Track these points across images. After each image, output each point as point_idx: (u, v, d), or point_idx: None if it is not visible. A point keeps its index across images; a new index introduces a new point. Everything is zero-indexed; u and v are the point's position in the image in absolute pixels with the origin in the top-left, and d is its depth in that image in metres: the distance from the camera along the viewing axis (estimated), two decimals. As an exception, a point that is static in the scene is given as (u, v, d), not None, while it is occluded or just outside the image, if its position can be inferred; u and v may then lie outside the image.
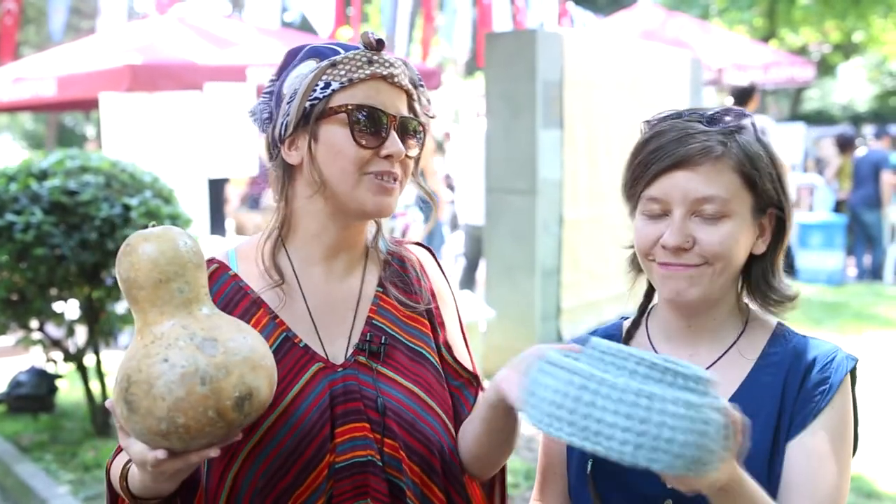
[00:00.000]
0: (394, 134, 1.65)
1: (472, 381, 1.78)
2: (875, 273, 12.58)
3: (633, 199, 1.61)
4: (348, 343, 1.71)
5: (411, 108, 1.72)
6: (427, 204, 1.81)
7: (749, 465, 1.49)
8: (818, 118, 28.19)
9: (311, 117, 1.66)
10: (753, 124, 1.58)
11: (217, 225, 10.20)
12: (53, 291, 5.59)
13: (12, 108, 12.04)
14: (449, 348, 1.80)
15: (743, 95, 8.03)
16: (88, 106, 11.16)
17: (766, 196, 1.56)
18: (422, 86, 1.75)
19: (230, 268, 1.76)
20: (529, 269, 7.21)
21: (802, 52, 22.22)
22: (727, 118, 1.56)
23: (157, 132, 7.75)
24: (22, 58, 12.77)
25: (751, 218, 1.56)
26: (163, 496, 1.55)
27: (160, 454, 1.40)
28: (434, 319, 1.80)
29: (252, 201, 13.60)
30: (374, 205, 1.66)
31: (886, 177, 12.33)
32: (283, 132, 1.69)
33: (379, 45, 1.68)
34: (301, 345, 1.67)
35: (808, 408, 1.53)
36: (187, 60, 8.43)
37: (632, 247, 1.70)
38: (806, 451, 1.52)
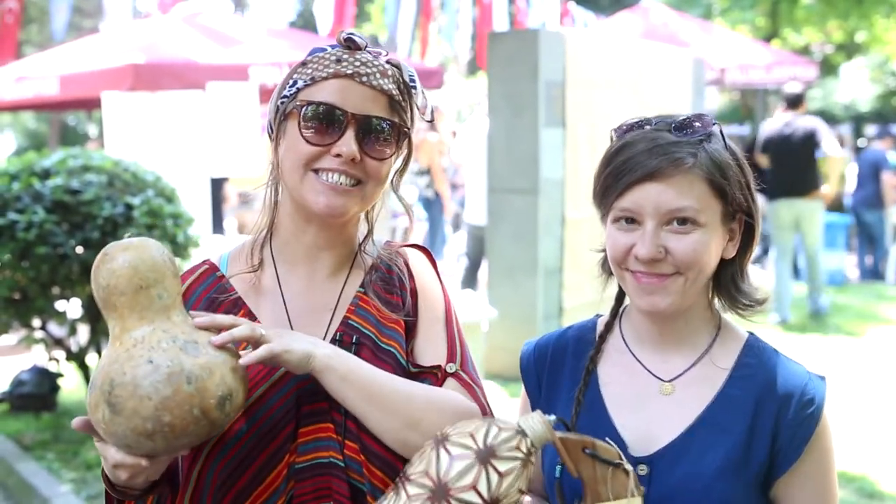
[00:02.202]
0: (350, 133, 1.61)
1: (434, 374, 1.72)
2: (876, 273, 12.58)
3: (604, 207, 1.61)
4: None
5: (394, 111, 1.67)
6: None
7: (720, 476, 1.53)
8: (820, 118, 28.16)
9: (279, 116, 1.68)
10: (721, 131, 1.59)
11: (216, 224, 10.20)
12: (55, 290, 5.60)
13: (15, 107, 12.05)
14: (414, 357, 1.74)
15: (796, 101, 8.97)
16: (91, 105, 11.16)
17: (736, 203, 1.57)
18: (413, 88, 1.70)
19: (219, 269, 1.77)
20: (531, 268, 7.21)
21: (805, 51, 22.19)
22: (696, 125, 1.56)
23: (159, 131, 7.75)
24: (24, 57, 12.78)
25: (721, 225, 1.57)
26: (137, 489, 1.56)
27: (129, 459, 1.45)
28: (410, 324, 1.76)
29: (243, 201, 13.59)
30: (318, 204, 1.63)
31: (887, 177, 12.34)
32: (269, 131, 1.72)
33: (349, 43, 1.66)
34: None
35: (795, 442, 1.56)
36: (190, 60, 8.42)
37: (603, 251, 1.71)
38: (808, 489, 1.57)
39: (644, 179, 1.52)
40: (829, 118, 28.71)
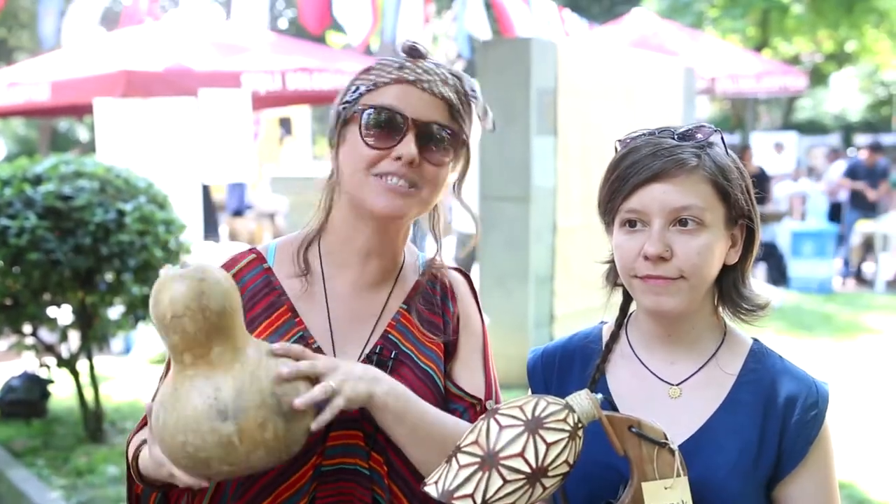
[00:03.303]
0: (410, 137, 1.63)
1: (474, 406, 1.76)
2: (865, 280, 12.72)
3: (611, 213, 1.64)
4: (361, 353, 1.71)
5: (454, 119, 1.69)
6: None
7: (731, 477, 1.56)
8: (810, 127, 28.32)
9: (340, 121, 1.70)
10: (723, 139, 1.63)
11: (208, 230, 10.19)
12: (47, 296, 5.59)
13: (5, 114, 12.03)
14: (453, 378, 1.77)
15: None
16: (82, 111, 11.15)
17: (738, 207, 1.60)
18: (474, 99, 1.72)
19: (266, 261, 1.78)
20: (523, 276, 7.23)
21: (795, 61, 22.31)
22: (698, 135, 1.60)
23: (151, 138, 7.75)
24: (16, 63, 12.75)
25: (724, 229, 1.59)
26: (164, 482, 1.57)
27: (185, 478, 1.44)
28: (450, 345, 1.79)
29: (233, 209, 13.65)
30: (378, 205, 1.64)
31: (883, 186, 12.63)
32: (330, 136, 1.74)
33: (412, 51, 1.69)
34: (314, 346, 1.69)
35: (799, 444, 1.59)
36: (182, 66, 8.43)
37: (609, 262, 1.73)
38: (809, 491, 1.60)
39: (649, 180, 1.55)
40: (819, 128, 28.88)
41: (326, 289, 1.75)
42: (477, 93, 1.73)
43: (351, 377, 1.53)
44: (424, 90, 1.66)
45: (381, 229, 1.71)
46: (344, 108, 1.70)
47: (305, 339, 1.69)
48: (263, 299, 1.72)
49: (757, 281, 10.53)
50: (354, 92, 1.69)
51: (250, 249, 1.82)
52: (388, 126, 1.64)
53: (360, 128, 1.65)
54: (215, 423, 1.37)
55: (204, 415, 1.37)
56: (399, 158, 1.62)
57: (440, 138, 1.67)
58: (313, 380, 1.50)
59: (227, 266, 1.76)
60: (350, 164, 1.67)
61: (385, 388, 1.57)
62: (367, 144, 1.64)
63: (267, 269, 1.77)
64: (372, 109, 1.65)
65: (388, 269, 1.78)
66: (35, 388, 6.53)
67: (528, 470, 1.35)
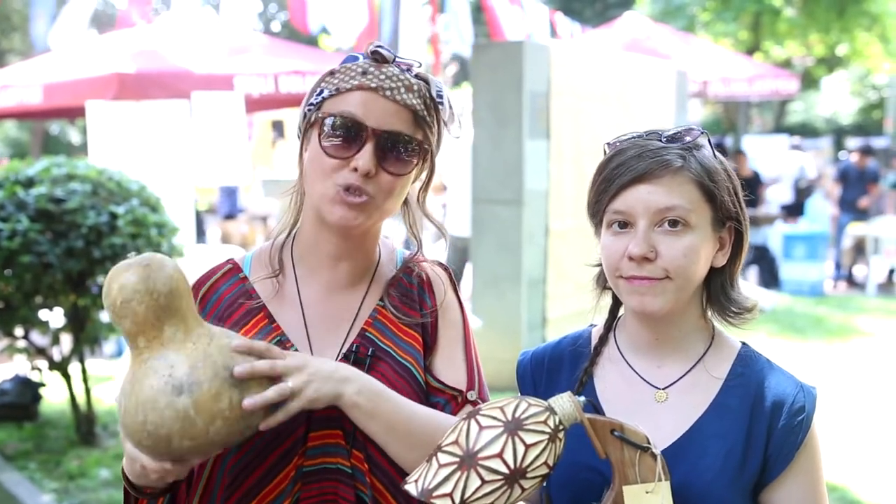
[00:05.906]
0: (368, 147, 1.61)
1: (455, 398, 1.75)
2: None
3: (598, 214, 1.64)
4: (339, 353, 1.71)
5: (418, 127, 1.67)
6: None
7: (716, 481, 1.55)
8: (802, 131, 28.40)
9: (305, 123, 1.69)
10: (710, 141, 1.63)
11: (199, 233, 10.17)
12: (39, 299, 5.58)
13: (-3, 116, 11.99)
14: (433, 372, 1.76)
15: None
16: (75, 114, 11.12)
17: (725, 209, 1.60)
18: (440, 104, 1.69)
19: (242, 270, 1.79)
20: (515, 279, 7.24)
21: (787, 65, 22.37)
22: (686, 137, 1.60)
23: (144, 140, 7.73)
24: (8, 65, 12.71)
25: (711, 231, 1.59)
26: (154, 488, 1.59)
27: (156, 465, 1.46)
28: (428, 338, 1.77)
29: (225, 212, 13.66)
30: (333, 215, 1.63)
31: (874, 189, 12.71)
32: (298, 136, 1.73)
33: (376, 56, 1.66)
34: (292, 349, 1.68)
35: (786, 449, 1.58)
36: (175, 69, 8.42)
37: (597, 265, 1.73)
38: (796, 496, 1.59)
39: (634, 181, 1.55)
40: (811, 131, 28.99)
41: (301, 294, 1.75)
42: (444, 97, 1.71)
43: (317, 377, 1.54)
44: (387, 97, 1.63)
45: (344, 236, 1.70)
46: (309, 111, 1.69)
47: (283, 343, 1.69)
48: (240, 308, 1.73)
49: (748, 284, 10.55)
50: (318, 95, 1.67)
51: (227, 260, 1.82)
52: (347, 135, 1.62)
53: (320, 135, 1.64)
54: (171, 398, 1.41)
55: (160, 392, 1.42)
56: (356, 169, 1.61)
57: (401, 148, 1.65)
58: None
59: (204, 278, 1.78)
60: (311, 170, 1.67)
61: (355, 387, 1.57)
62: (326, 153, 1.63)
63: (243, 279, 1.77)
64: (332, 117, 1.63)
65: (361, 271, 1.77)
66: (27, 392, 6.51)
67: (506, 471, 1.36)
